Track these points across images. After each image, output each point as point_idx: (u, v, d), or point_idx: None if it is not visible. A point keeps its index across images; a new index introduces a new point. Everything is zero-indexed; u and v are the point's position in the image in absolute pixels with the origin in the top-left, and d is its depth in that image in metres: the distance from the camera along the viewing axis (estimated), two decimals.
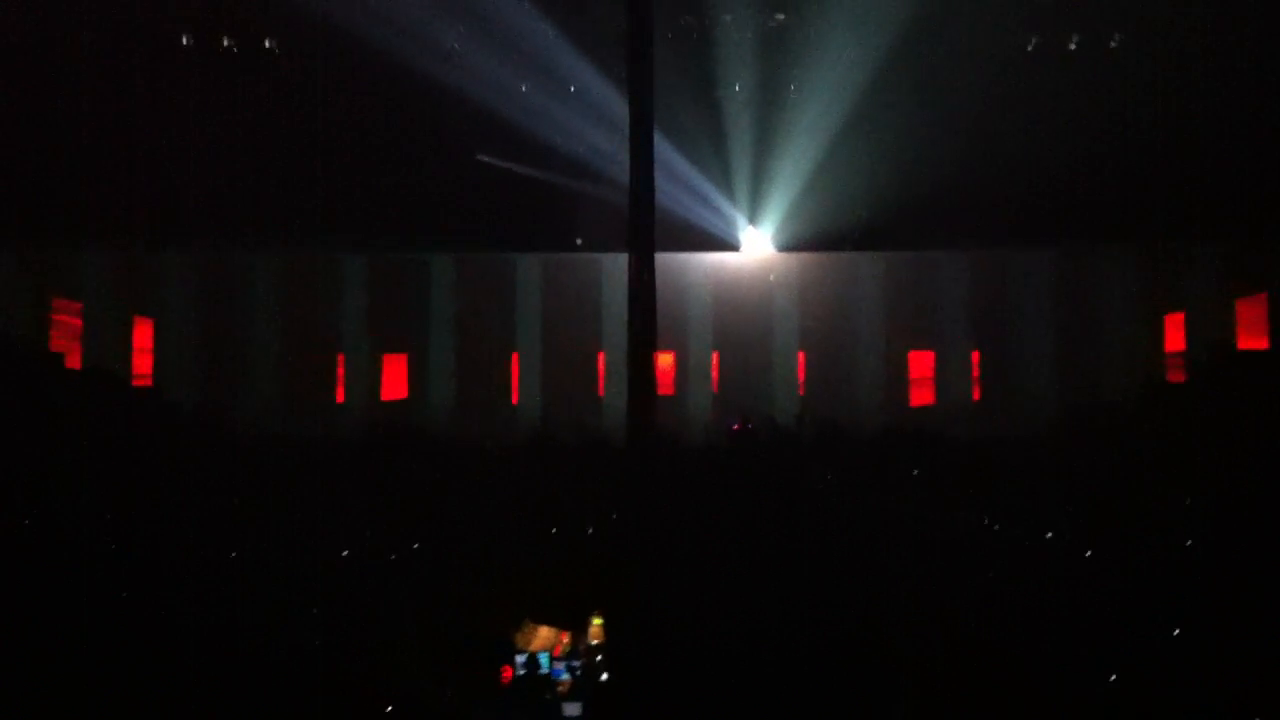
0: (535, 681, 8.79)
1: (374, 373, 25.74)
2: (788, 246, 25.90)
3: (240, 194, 24.12)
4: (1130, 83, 23.58)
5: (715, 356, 25.88)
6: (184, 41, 24.52)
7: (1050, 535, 12.08)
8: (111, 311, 24.97)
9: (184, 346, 25.03)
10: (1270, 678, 7.36)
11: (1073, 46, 24.67)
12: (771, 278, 25.88)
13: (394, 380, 26.00)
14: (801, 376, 25.75)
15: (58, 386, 19.74)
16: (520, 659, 8.90)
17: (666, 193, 23.37)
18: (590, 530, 12.83)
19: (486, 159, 25.65)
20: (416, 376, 25.85)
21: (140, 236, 24.12)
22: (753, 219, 26.03)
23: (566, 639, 9.39)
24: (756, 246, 26.10)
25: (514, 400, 25.60)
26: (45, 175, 23.31)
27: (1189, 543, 11.03)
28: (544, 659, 8.95)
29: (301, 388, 25.22)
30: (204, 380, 24.75)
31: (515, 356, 25.68)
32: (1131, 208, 23.88)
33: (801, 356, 25.77)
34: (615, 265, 23.25)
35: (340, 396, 25.60)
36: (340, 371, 25.65)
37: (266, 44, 24.79)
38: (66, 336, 24.77)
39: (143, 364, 25.32)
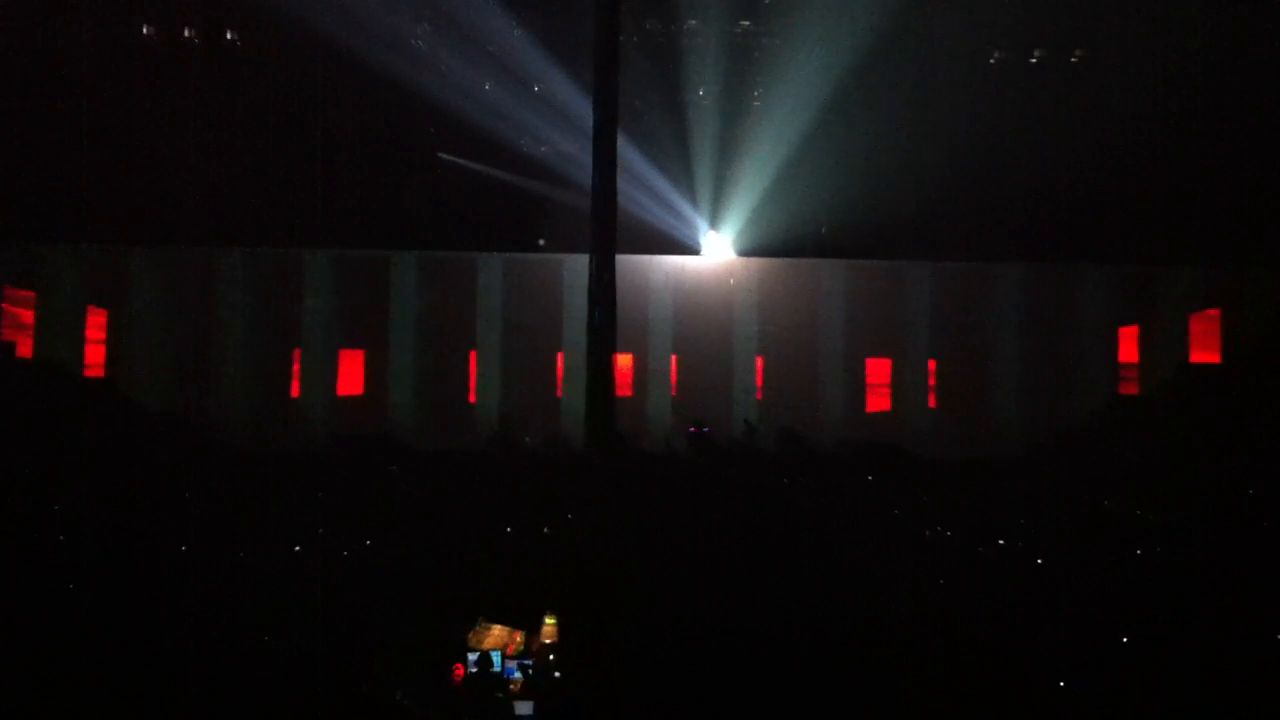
0: (488, 680, 8.74)
1: (331, 368, 25.55)
2: (749, 251, 25.98)
3: (204, 188, 23.95)
4: (1094, 100, 23.88)
5: (674, 359, 25.90)
6: (148, 35, 24.34)
7: (1002, 543, 12.16)
8: (66, 302, 24.63)
9: (140, 338, 24.73)
10: (1222, 684, 7.45)
11: (1034, 60, 24.95)
12: (732, 281, 25.94)
13: (350, 376, 25.82)
14: (760, 380, 25.81)
15: (7, 375, 19.52)
16: (473, 658, 8.85)
17: (629, 195, 23.39)
18: (546, 530, 12.77)
19: (449, 158, 25.58)
20: (374, 373, 25.69)
21: (101, 230, 23.84)
22: (714, 223, 26.10)
23: (519, 638, 9.34)
24: (718, 250, 26.17)
25: (471, 399, 25.49)
26: (6, 169, 23.07)
27: (1138, 552, 11.15)
28: (496, 658, 8.90)
29: (257, 382, 25.00)
30: (159, 372, 24.48)
31: (473, 355, 25.57)
32: (1099, 227, 24.18)
33: (760, 361, 25.84)
34: (577, 266, 23.20)
35: (295, 391, 25.39)
36: (296, 366, 25.43)
37: (229, 37, 24.61)
38: (16, 326, 24.44)
39: (95, 354, 25.01)
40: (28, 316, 24.60)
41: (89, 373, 24.45)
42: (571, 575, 10.54)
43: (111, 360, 24.95)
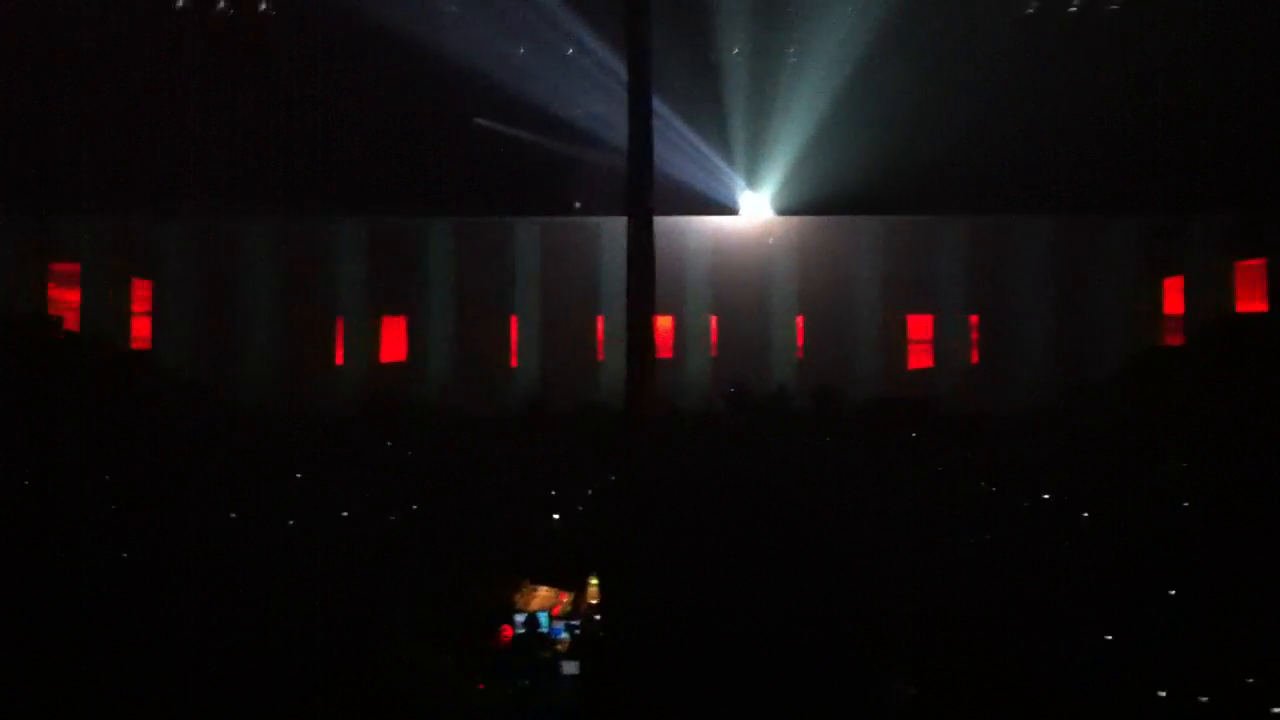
0: (535, 640, 8.82)
1: (373, 335, 25.70)
2: (786, 210, 25.82)
3: (239, 160, 24.06)
4: (1131, 49, 23.53)
5: (713, 320, 25.84)
6: (179, 6, 24.40)
7: (1047, 497, 12.13)
8: (109, 275, 24.87)
9: (183, 310, 24.95)
10: (1266, 637, 7.41)
11: (1072, 8, 24.59)
12: (770, 241, 25.81)
13: (393, 343, 25.97)
14: (800, 340, 25.73)
15: (56, 349, 19.78)
16: (520, 619, 8.93)
17: (664, 156, 23.30)
18: (589, 492, 12.86)
19: (484, 123, 25.55)
20: (415, 339, 25.81)
21: (139, 203, 24.05)
22: (751, 183, 25.93)
23: (566, 599, 9.43)
24: (755, 210, 26.02)
25: (513, 363, 25.58)
26: (44, 144, 23.29)
27: (1185, 504, 11.09)
28: (543, 618, 8.98)
29: (300, 350, 25.17)
30: (202, 343, 24.70)
31: (514, 320, 25.64)
32: (1133, 173, 23.86)
33: (800, 320, 25.74)
34: (614, 229, 23.22)
35: (339, 359, 25.58)
36: (339, 334, 25.61)
37: (262, 7, 24.65)
38: (65, 300, 24.75)
39: (141, 327, 25.28)
40: (73, 290, 24.88)
41: (135, 345, 24.73)
42: (614, 536, 10.61)
43: (156, 331, 25.17)
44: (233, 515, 11.25)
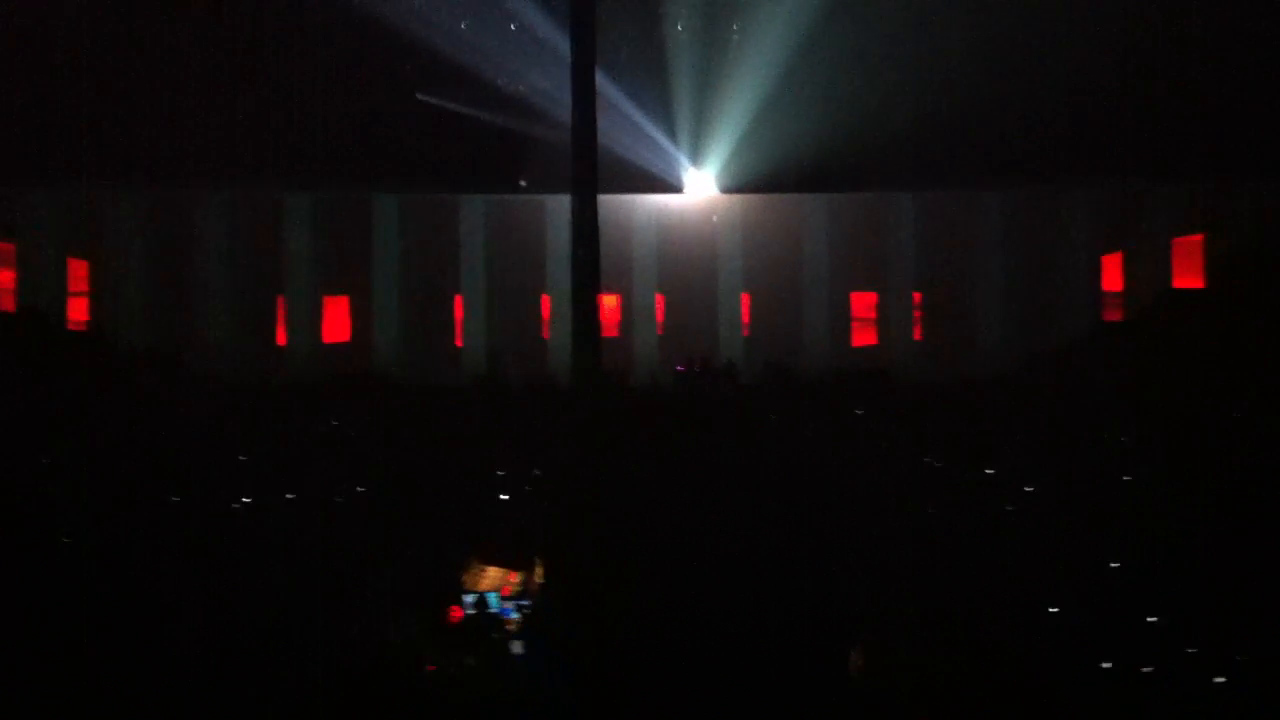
0: (484, 620, 8.80)
1: (315, 314, 25.41)
2: (732, 188, 25.86)
3: (183, 131, 23.67)
4: (1078, 24, 23.73)
5: (660, 299, 25.85)
6: None
7: (991, 472, 12.26)
8: (46, 252, 24.36)
9: (122, 289, 24.51)
10: (1207, 607, 7.54)
11: None
12: (715, 219, 25.83)
13: (336, 322, 25.69)
14: (746, 318, 25.81)
15: None
16: (469, 599, 8.90)
17: (610, 134, 23.20)
18: (536, 471, 12.83)
19: (428, 98, 25.31)
20: (359, 318, 25.57)
21: (77, 178, 23.59)
22: (696, 160, 25.93)
23: (515, 579, 9.39)
24: (700, 188, 26.03)
25: (458, 342, 25.44)
26: None
27: (1126, 478, 11.26)
28: (493, 599, 8.95)
29: (241, 330, 24.85)
30: (142, 323, 24.30)
31: (459, 299, 25.48)
32: (1076, 150, 24.11)
33: (746, 298, 25.82)
34: (559, 206, 23.05)
35: (281, 339, 25.27)
36: (280, 313, 25.27)
37: None
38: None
39: (79, 307, 24.82)
40: (7, 270, 24.36)
41: (72, 326, 24.27)
42: (561, 515, 10.60)
43: (94, 311, 24.72)
44: (175, 499, 11.11)
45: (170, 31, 23.80)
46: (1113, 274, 25.72)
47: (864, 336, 26.09)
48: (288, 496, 11.63)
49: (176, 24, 23.82)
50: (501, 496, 11.96)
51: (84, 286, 24.80)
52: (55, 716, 6.60)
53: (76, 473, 11.86)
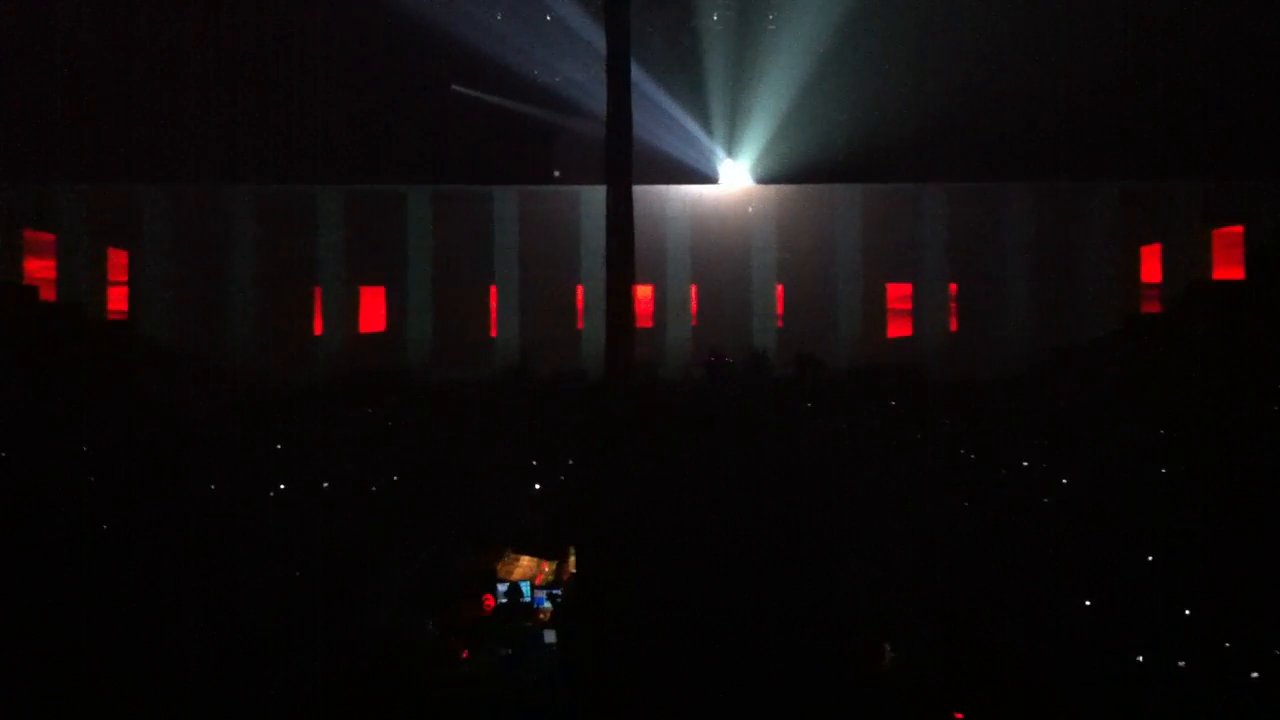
0: (517, 610, 8.83)
1: (351, 305, 25.57)
2: (766, 179, 25.81)
3: (217, 128, 23.92)
4: (1111, 18, 23.53)
5: (694, 289, 25.85)
6: None
7: (1027, 464, 12.18)
8: (86, 244, 24.64)
9: (160, 279, 24.76)
10: (1245, 602, 7.47)
11: None
12: (750, 210, 25.79)
13: (372, 313, 25.85)
14: (780, 309, 25.77)
15: (33, 319, 19.62)
16: (502, 588, 8.93)
17: (644, 126, 23.22)
18: (570, 461, 12.84)
19: (461, 90, 25.39)
20: (394, 309, 25.72)
21: (117, 171, 23.87)
22: (731, 151, 25.90)
23: (548, 568, 9.42)
24: (735, 179, 25.99)
25: (492, 333, 25.53)
26: (19, 111, 23.11)
27: (1163, 471, 11.15)
28: (525, 588, 8.98)
29: (278, 320, 25.06)
30: (180, 313, 24.56)
31: (493, 289, 25.57)
32: (1112, 143, 23.94)
33: (780, 288, 25.77)
34: (593, 198, 23.15)
35: (318, 329, 25.45)
36: (318, 304, 25.47)
37: None
38: (41, 270, 24.51)
39: (118, 296, 25.09)
40: (48, 260, 24.64)
41: (112, 316, 24.54)
42: (593, 505, 10.61)
43: (133, 301, 24.99)
44: (211, 487, 11.20)
45: (208, 30, 24.00)
46: (1152, 265, 25.52)
47: (899, 328, 25.99)
48: (324, 485, 11.71)
49: (213, 23, 24.01)
50: (535, 485, 11.98)
51: (123, 276, 25.07)
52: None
53: (115, 460, 11.99)
